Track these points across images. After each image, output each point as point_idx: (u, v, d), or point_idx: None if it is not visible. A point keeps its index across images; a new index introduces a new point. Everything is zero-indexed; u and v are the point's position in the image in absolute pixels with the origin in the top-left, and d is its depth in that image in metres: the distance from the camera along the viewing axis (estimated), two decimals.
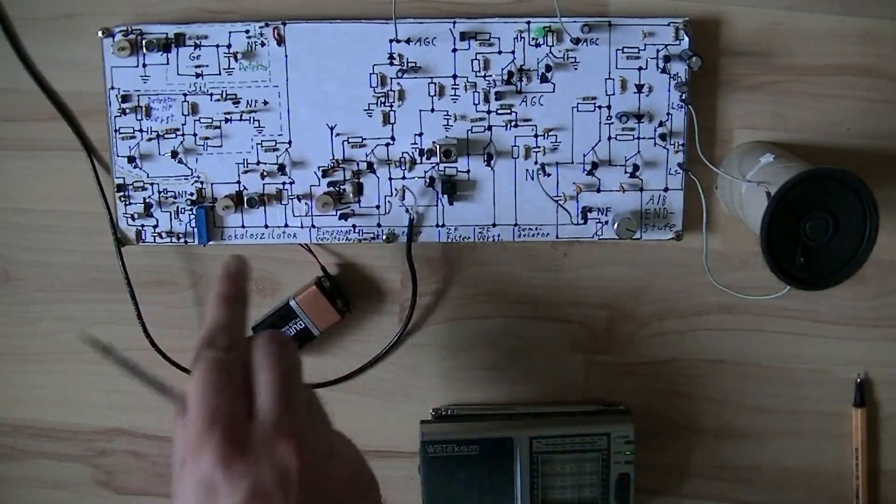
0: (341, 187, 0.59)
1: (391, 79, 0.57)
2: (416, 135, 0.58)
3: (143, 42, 0.57)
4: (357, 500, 0.41)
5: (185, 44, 0.57)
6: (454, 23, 0.57)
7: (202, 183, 0.59)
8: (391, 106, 0.58)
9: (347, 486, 0.41)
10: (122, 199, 0.59)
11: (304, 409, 0.41)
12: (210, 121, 0.58)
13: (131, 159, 0.58)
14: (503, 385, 0.63)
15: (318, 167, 0.58)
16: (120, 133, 0.58)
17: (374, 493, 0.43)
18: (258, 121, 0.58)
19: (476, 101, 0.58)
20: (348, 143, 0.58)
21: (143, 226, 0.59)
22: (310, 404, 0.43)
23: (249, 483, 0.37)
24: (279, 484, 0.38)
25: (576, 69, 0.57)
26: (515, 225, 0.59)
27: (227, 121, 0.58)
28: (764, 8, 0.57)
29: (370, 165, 0.58)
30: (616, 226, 0.58)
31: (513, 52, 0.57)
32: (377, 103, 0.58)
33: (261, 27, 0.57)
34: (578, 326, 0.62)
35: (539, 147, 0.58)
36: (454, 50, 0.57)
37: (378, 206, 0.59)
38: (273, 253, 0.61)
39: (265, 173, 0.58)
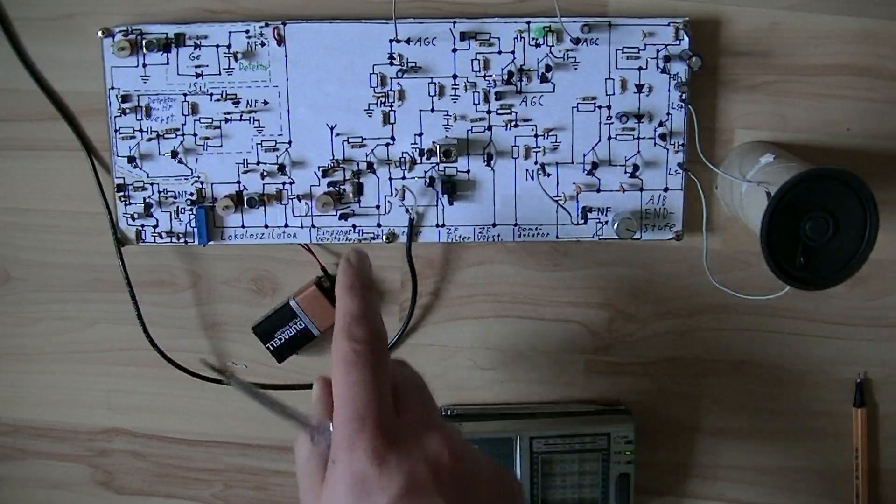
0: (341, 187, 0.59)
1: (391, 79, 0.57)
2: (416, 135, 0.58)
3: (143, 42, 0.57)
4: (503, 495, 0.41)
5: (185, 44, 0.57)
6: (454, 23, 0.57)
7: (202, 183, 0.59)
8: (391, 106, 0.58)
9: (491, 486, 0.41)
10: (122, 199, 0.59)
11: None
12: (210, 121, 0.58)
13: (131, 159, 0.58)
14: (503, 385, 0.63)
15: (318, 167, 0.58)
16: (120, 133, 0.58)
17: (519, 499, 0.43)
18: (258, 121, 0.58)
19: (476, 101, 0.58)
20: (348, 143, 0.58)
21: (143, 226, 0.59)
22: None
23: (404, 476, 0.37)
24: (433, 476, 0.38)
25: (576, 69, 0.57)
26: (515, 225, 0.59)
27: (227, 121, 0.58)
28: (764, 8, 0.57)
29: (370, 165, 0.58)
30: (616, 226, 0.58)
31: (513, 52, 0.57)
32: (377, 103, 0.58)
33: (261, 27, 0.57)
34: (578, 326, 0.62)
35: (539, 147, 0.58)
36: (454, 50, 0.57)
37: (378, 206, 0.59)
38: (273, 253, 0.61)
39: (265, 173, 0.58)
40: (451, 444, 0.39)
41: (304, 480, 0.40)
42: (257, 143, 0.58)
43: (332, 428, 0.40)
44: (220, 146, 0.58)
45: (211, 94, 0.57)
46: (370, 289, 0.43)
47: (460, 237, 0.59)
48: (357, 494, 0.37)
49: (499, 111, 0.58)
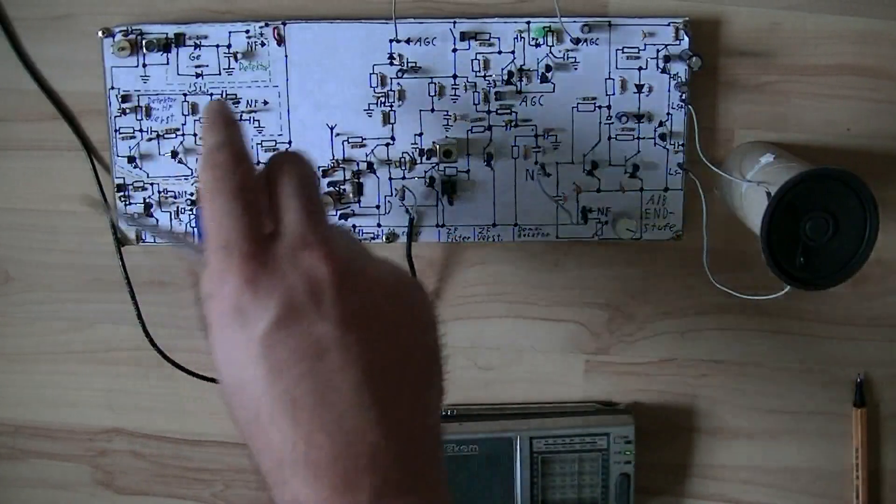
0: (341, 187, 0.59)
1: (391, 79, 0.57)
2: (416, 135, 0.58)
3: (143, 42, 0.57)
4: (403, 307, 0.38)
5: (185, 44, 0.57)
6: (454, 23, 0.57)
7: None
8: (391, 106, 0.58)
9: (391, 290, 0.38)
10: (122, 199, 0.59)
11: (327, 219, 0.39)
12: None
13: (131, 159, 0.58)
14: (503, 385, 0.63)
15: (318, 167, 0.58)
16: (120, 133, 0.58)
17: (424, 302, 0.40)
18: (258, 121, 0.58)
19: (476, 102, 0.58)
20: (348, 143, 0.58)
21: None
22: (337, 227, 0.40)
23: (279, 298, 0.35)
24: (310, 293, 0.36)
25: (576, 69, 0.57)
26: (515, 225, 0.59)
27: None
28: (764, 8, 0.57)
29: (370, 165, 0.58)
30: (616, 226, 0.58)
31: (513, 53, 0.57)
32: (377, 103, 0.58)
33: (261, 27, 0.57)
34: (578, 326, 0.62)
35: (539, 147, 0.58)
36: (454, 50, 0.57)
37: (378, 206, 0.59)
38: None
39: None
40: (332, 258, 0.36)
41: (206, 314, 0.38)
42: (257, 143, 0.58)
43: None
44: None
45: (211, 94, 0.57)
46: (232, 123, 0.40)
47: (460, 237, 0.59)
48: (234, 324, 0.35)
49: (499, 111, 0.58)
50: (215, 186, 0.37)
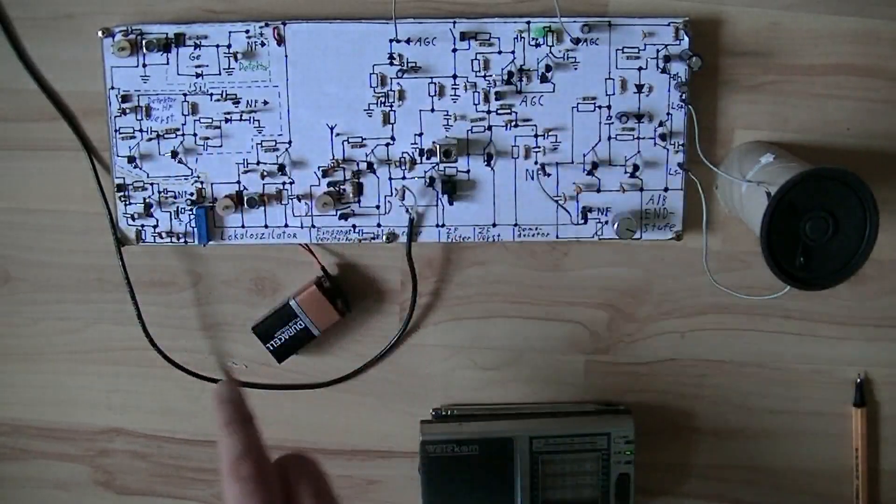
0: (341, 187, 0.59)
1: (391, 79, 0.57)
2: (416, 135, 0.58)
3: (143, 42, 0.57)
4: None
5: (185, 44, 0.57)
6: (454, 23, 0.57)
7: (202, 183, 0.59)
8: (391, 106, 0.58)
9: None
10: (122, 199, 0.59)
11: None
12: (210, 121, 0.58)
13: (131, 159, 0.58)
14: (503, 385, 0.63)
15: (318, 167, 0.58)
16: (120, 133, 0.58)
17: None
18: (258, 121, 0.58)
19: (476, 101, 0.58)
20: (348, 143, 0.58)
21: (143, 226, 0.59)
22: None
23: None
24: None
25: (576, 69, 0.57)
26: (515, 225, 0.59)
27: (227, 121, 0.58)
28: (764, 8, 0.57)
29: (370, 165, 0.58)
30: (616, 226, 0.58)
31: (513, 52, 0.57)
32: (377, 103, 0.58)
33: (261, 27, 0.57)
34: (578, 326, 0.62)
35: (539, 147, 0.58)
36: (454, 50, 0.57)
37: (378, 206, 0.59)
38: (273, 253, 0.61)
39: (265, 173, 0.58)
40: None
41: None
42: (257, 143, 0.58)
43: None
44: (220, 146, 0.58)
45: (211, 94, 0.57)
46: (250, 420, 0.43)
47: (460, 237, 0.59)
48: None
49: (499, 111, 0.58)
50: (244, 497, 0.41)
